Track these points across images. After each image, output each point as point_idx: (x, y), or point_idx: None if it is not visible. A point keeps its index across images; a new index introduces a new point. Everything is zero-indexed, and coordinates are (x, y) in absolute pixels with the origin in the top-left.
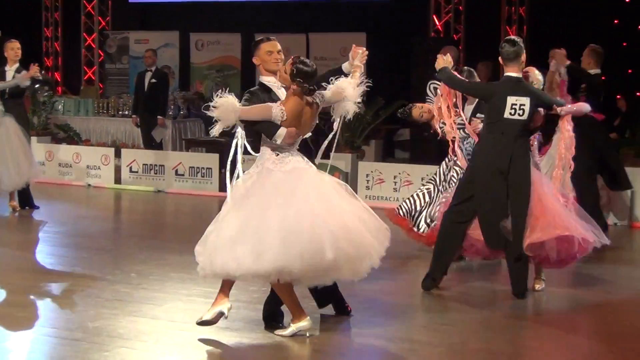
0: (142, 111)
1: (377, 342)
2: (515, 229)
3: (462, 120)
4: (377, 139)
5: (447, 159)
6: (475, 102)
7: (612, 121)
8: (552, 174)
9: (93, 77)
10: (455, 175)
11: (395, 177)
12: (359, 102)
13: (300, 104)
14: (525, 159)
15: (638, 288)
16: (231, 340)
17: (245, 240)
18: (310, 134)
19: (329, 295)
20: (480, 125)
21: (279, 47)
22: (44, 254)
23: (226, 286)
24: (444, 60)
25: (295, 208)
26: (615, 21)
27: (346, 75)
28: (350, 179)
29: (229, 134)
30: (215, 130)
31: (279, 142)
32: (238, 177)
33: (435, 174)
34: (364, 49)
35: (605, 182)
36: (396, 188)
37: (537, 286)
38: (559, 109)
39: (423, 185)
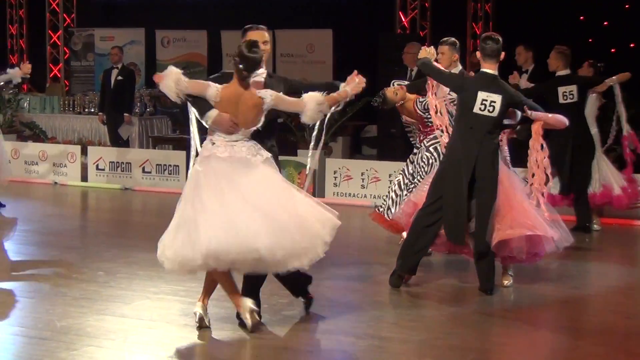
0: (108, 108)
1: (346, 339)
2: (479, 226)
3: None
4: (344, 136)
5: (411, 156)
6: None
7: None
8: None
9: (59, 75)
10: (424, 158)
11: (362, 174)
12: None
13: (237, 90)
14: (493, 155)
15: (605, 284)
16: (200, 338)
17: (183, 229)
18: (256, 127)
19: (294, 282)
20: None
21: (266, 37)
22: (11, 252)
23: (229, 286)
24: (427, 52)
25: (229, 197)
26: (581, 17)
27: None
28: (318, 175)
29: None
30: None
31: (209, 124)
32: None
33: (403, 169)
34: (363, 79)
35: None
36: (364, 185)
37: (505, 282)
38: (528, 112)
39: (391, 181)
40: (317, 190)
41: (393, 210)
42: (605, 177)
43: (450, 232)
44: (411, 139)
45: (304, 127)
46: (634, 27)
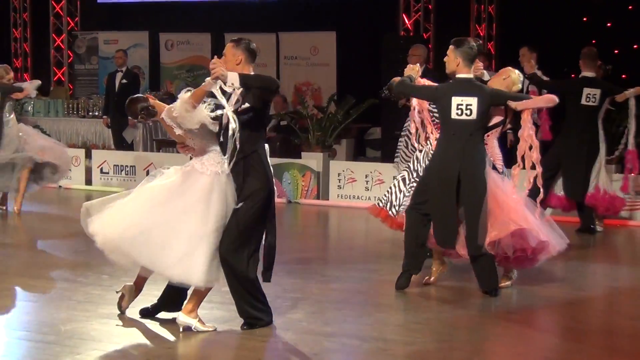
0: (113, 112)
1: (350, 341)
2: (468, 229)
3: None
4: (348, 138)
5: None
6: None
7: None
8: (512, 171)
9: (63, 78)
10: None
11: (367, 176)
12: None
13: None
14: (478, 158)
15: (606, 285)
16: (204, 341)
17: (117, 204)
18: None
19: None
20: None
21: (226, 49)
22: (15, 257)
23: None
24: (411, 69)
25: (156, 205)
26: (585, 18)
27: None
28: (322, 178)
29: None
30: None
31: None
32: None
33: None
34: (214, 61)
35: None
36: (368, 187)
37: (502, 284)
38: (512, 104)
39: (395, 177)
40: (321, 192)
41: (395, 204)
42: (600, 181)
43: (438, 235)
44: (405, 145)
45: (307, 129)
46: (637, 28)
